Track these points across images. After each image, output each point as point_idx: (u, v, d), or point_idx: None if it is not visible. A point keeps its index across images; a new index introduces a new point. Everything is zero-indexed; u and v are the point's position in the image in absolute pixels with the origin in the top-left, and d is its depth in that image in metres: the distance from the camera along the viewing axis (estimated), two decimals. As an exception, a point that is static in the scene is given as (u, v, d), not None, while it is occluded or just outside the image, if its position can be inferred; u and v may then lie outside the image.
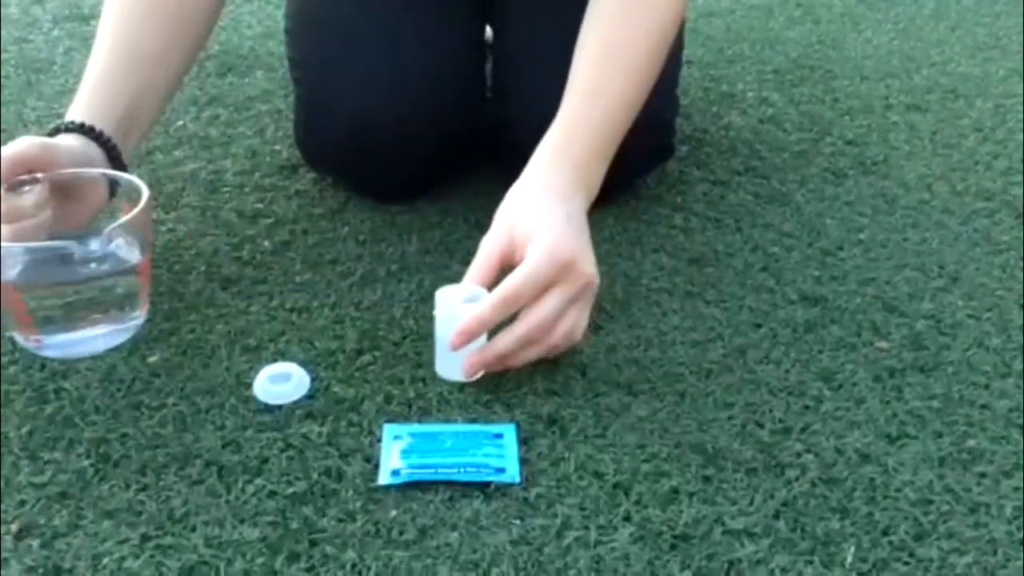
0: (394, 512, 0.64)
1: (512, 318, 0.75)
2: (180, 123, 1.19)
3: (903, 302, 0.89)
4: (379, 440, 0.70)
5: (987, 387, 0.78)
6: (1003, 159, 1.17)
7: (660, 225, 1.00)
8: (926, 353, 0.82)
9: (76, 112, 0.83)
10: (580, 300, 0.76)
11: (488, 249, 0.77)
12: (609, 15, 0.87)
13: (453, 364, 0.76)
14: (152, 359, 0.78)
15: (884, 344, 0.83)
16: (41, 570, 0.59)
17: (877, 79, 1.41)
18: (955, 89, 1.38)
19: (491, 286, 0.75)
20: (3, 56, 1.40)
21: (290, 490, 0.66)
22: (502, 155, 1.07)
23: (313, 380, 0.76)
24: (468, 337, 0.73)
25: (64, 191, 0.80)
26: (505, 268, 0.75)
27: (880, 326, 0.85)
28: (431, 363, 0.78)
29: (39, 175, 0.80)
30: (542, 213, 0.77)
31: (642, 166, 1.06)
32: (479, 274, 0.76)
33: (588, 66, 0.85)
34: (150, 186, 0.79)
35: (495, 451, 0.69)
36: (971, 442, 0.72)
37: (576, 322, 0.76)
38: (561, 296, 0.74)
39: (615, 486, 0.67)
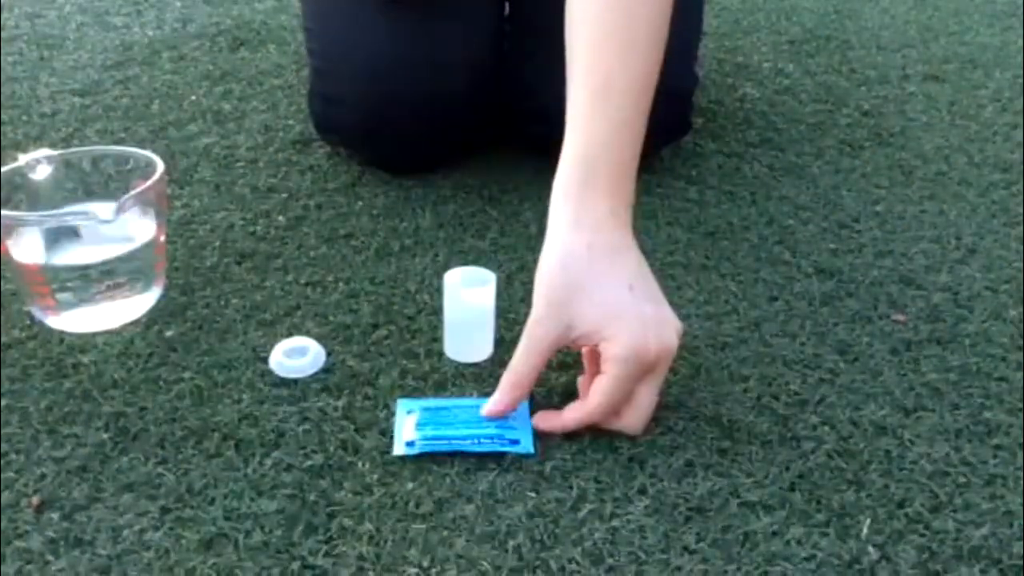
0: (410, 485, 0.64)
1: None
2: (193, 98, 1.19)
3: (920, 274, 0.88)
4: (394, 414, 0.70)
5: (1004, 359, 0.77)
6: (1021, 130, 1.16)
7: (675, 198, 1.00)
8: (943, 325, 0.81)
9: None
10: (660, 375, 0.67)
11: (539, 345, 0.66)
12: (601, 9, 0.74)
13: (462, 346, 0.76)
14: (169, 333, 0.78)
15: (901, 316, 0.82)
16: (62, 542, 0.60)
17: (894, 49, 1.39)
18: (973, 59, 1.36)
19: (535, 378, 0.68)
20: (16, 32, 1.40)
21: (307, 463, 0.66)
22: (520, 125, 1.06)
23: (328, 354, 0.76)
24: (548, 428, 0.69)
25: None
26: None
27: (897, 298, 0.85)
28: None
29: (51, 153, 0.81)
30: (602, 295, 0.65)
31: (660, 140, 1.05)
32: (527, 374, 0.67)
33: (588, 62, 0.73)
34: (164, 161, 0.80)
35: (509, 423, 0.69)
36: (987, 414, 0.72)
37: (652, 401, 0.68)
38: (652, 388, 0.67)
39: (630, 459, 0.67)
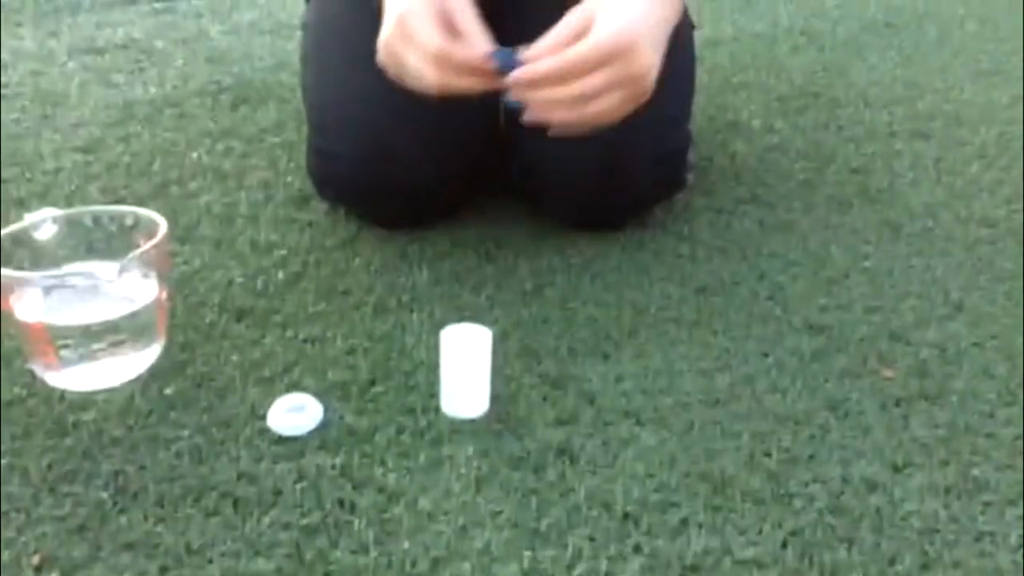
0: (406, 544, 0.65)
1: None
2: (194, 155, 1.21)
3: (908, 330, 0.90)
4: (392, 470, 0.71)
5: (992, 416, 0.78)
6: (1007, 186, 1.18)
7: (667, 254, 1.02)
8: (931, 381, 0.82)
9: None
10: (625, 88, 0.81)
11: (569, 18, 0.81)
12: None
13: (459, 401, 0.77)
14: (168, 391, 0.79)
15: (890, 372, 0.84)
16: (61, 601, 0.60)
17: (881, 106, 1.42)
18: (959, 116, 1.39)
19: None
20: (19, 89, 1.42)
21: (304, 521, 0.67)
22: (514, 184, 1.08)
23: (326, 411, 0.77)
24: (526, 86, 0.81)
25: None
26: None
27: (886, 354, 0.86)
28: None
29: (56, 213, 0.82)
30: (627, 2, 0.82)
31: (655, 197, 1.07)
32: (553, 39, 0.81)
33: None
34: (166, 218, 0.81)
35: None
36: (976, 471, 0.73)
37: (611, 106, 0.81)
38: (610, 74, 0.79)
39: (625, 516, 0.68)
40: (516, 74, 0.80)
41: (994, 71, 1.59)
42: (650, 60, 0.82)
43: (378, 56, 0.87)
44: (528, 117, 0.84)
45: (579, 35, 0.80)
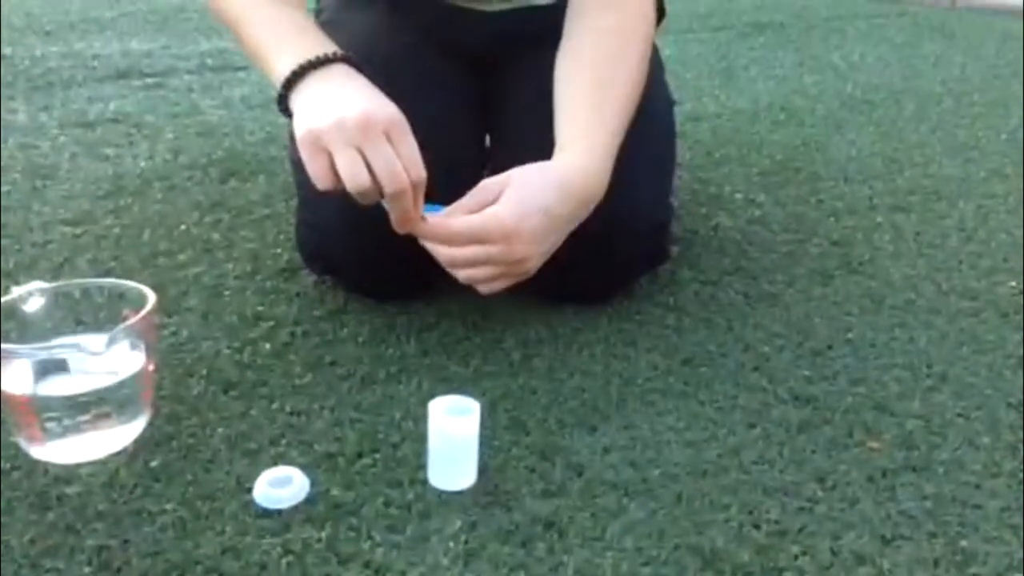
0: (394, 619, 0.64)
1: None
2: (183, 227, 1.22)
3: (893, 401, 0.90)
4: (379, 544, 0.71)
5: (978, 487, 0.79)
6: (986, 258, 1.20)
7: (653, 325, 1.02)
8: (917, 453, 0.83)
9: (315, 48, 0.91)
10: (497, 266, 0.89)
11: (485, 184, 0.91)
12: (591, 56, 1.00)
13: (446, 474, 0.77)
14: (154, 463, 0.79)
15: (876, 444, 0.84)
16: None
17: (861, 181, 1.45)
18: (937, 190, 1.42)
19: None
20: (10, 162, 1.44)
21: (290, 597, 0.66)
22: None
23: (312, 484, 0.77)
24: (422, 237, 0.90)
25: None
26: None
27: (871, 426, 0.86)
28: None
29: (44, 285, 0.83)
30: (530, 187, 0.89)
31: (639, 269, 1.09)
32: (464, 205, 0.90)
33: (582, 96, 0.97)
34: (154, 290, 0.82)
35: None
36: (963, 543, 0.72)
37: (484, 276, 0.90)
38: (482, 251, 0.88)
39: (614, 590, 0.67)
40: (421, 228, 0.89)
41: (971, 146, 1.63)
42: (528, 250, 0.89)
43: (315, 127, 0.84)
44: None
45: (484, 205, 0.89)
